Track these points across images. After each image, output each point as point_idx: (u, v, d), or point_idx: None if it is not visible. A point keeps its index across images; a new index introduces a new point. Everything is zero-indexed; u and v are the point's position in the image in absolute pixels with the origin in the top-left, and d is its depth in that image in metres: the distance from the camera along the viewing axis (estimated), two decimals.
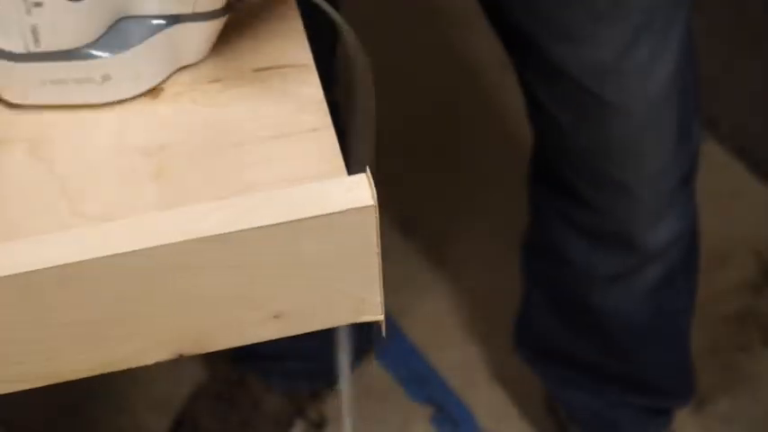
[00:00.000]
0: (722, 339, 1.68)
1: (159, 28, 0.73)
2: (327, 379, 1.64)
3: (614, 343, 1.37)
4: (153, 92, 0.76)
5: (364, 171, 0.62)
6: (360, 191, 0.61)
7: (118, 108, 0.75)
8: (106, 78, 0.73)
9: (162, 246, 0.59)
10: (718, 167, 1.88)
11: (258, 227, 0.59)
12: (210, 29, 0.75)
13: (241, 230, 0.59)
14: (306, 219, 0.60)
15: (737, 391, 1.64)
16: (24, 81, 0.72)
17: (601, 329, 1.36)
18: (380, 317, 0.66)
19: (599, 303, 1.31)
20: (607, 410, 1.49)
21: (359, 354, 1.67)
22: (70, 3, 0.69)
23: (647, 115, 1.14)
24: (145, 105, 0.75)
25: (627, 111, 1.13)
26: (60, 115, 0.74)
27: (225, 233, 0.59)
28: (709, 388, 1.62)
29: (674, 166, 1.19)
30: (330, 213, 0.60)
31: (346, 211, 0.60)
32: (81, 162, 0.70)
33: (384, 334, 0.67)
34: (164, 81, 0.76)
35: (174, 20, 0.73)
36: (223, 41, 0.78)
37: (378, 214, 0.61)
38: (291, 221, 0.60)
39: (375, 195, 0.61)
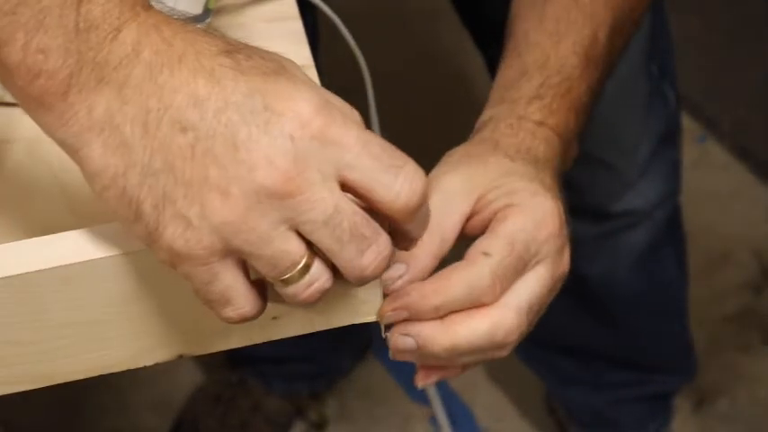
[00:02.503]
0: (722, 339, 1.69)
1: None
2: (327, 380, 1.64)
3: (606, 314, 1.37)
4: None
5: None
6: None
7: None
8: None
9: None
10: (718, 167, 1.88)
11: None
12: None
13: None
14: None
15: (737, 391, 1.64)
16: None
17: (592, 300, 1.35)
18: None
19: (587, 272, 1.31)
20: (607, 409, 1.49)
21: (359, 353, 1.67)
22: None
23: (620, 89, 1.14)
24: None
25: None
26: None
27: None
28: (709, 388, 1.63)
29: (648, 132, 1.20)
30: None
31: None
32: None
33: (383, 334, 0.67)
34: None
35: None
36: None
37: None
38: None
39: None
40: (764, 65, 1.98)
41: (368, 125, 0.83)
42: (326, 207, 0.52)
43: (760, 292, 1.74)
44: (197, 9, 0.73)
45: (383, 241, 0.54)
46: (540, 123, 0.75)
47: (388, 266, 0.55)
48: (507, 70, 0.79)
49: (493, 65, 1.20)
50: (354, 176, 0.53)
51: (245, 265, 0.54)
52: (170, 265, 0.54)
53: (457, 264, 0.66)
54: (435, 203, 0.66)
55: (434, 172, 0.71)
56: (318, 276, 0.54)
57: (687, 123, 1.79)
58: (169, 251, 0.53)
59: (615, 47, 0.81)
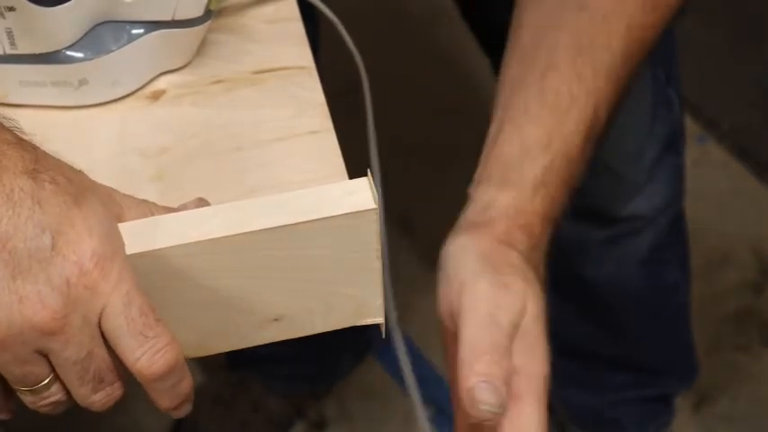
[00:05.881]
0: (722, 339, 1.68)
1: (139, 34, 0.73)
2: (327, 381, 1.64)
3: (609, 317, 1.37)
4: (154, 94, 0.76)
5: (365, 174, 0.62)
6: (361, 194, 0.61)
7: (119, 109, 0.75)
8: (83, 82, 0.73)
9: (162, 249, 0.59)
10: (718, 167, 1.88)
11: (259, 230, 0.59)
12: (191, 35, 0.75)
13: (242, 234, 0.59)
14: (307, 222, 0.60)
15: (737, 391, 1.64)
16: (2, 82, 0.72)
17: (595, 304, 1.35)
18: (380, 319, 0.66)
19: (592, 276, 1.31)
20: (607, 409, 1.49)
21: (359, 354, 1.67)
22: (45, 8, 0.68)
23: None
24: (146, 107, 0.75)
25: None
26: (60, 115, 0.74)
27: (225, 236, 0.59)
28: (709, 388, 1.62)
29: (653, 137, 1.20)
30: (331, 217, 0.60)
31: (347, 214, 0.60)
32: (81, 163, 0.69)
33: (384, 336, 0.67)
34: (143, 86, 0.76)
35: (153, 26, 0.72)
36: (223, 44, 0.78)
37: (379, 217, 0.61)
38: (292, 225, 0.60)
39: (376, 198, 0.61)
40: (764, 65, 1.98)
41: (365, 126, 0.83)
42: (81, 350, 0.57)
43: (760, 292, 1.74)
44: (198, 11, 0.73)
45: (117, 386, 0.61)
46: (544, 217, 0.77)
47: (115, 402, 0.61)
48: (506, 145, 0.79)
49: (498, 69, 1.20)
50: (107, 328, 0.58)
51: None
52: None
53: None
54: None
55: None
56: (55, 392, 0.60)
57: (687, 123, 1.79)
58: None
59: (611, 120, 0.80)
